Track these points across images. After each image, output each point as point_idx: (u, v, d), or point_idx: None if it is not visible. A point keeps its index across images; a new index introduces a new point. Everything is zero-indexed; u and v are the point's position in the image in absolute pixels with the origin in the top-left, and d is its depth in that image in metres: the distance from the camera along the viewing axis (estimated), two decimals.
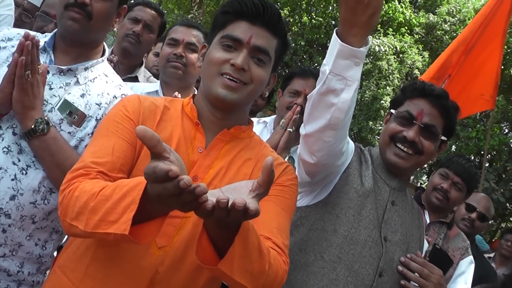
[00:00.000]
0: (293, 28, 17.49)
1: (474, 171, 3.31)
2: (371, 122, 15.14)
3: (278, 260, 1.46)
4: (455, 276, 3.03)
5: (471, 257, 3.11)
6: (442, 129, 2.11)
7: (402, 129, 2.08)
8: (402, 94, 2.21)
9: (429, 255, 2.35)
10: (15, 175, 1.84)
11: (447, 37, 16.59)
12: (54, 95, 1.93)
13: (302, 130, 1.83)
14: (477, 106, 6.30)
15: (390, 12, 16.63)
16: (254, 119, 3.31)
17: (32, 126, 1.82)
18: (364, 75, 15.74)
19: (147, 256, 1.50)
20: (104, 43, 2.16)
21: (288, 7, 17.51)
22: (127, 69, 3.31)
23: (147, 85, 3.07)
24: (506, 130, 17.43)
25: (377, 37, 15.98)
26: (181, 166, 1.16)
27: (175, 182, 1.08)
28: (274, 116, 3.35)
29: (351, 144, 2.12)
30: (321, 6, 17.42)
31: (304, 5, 17.40)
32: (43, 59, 1.97)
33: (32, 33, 1.84)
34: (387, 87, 15.17)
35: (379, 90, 15.16)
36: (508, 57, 14.55)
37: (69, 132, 1.92)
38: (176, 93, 2.55)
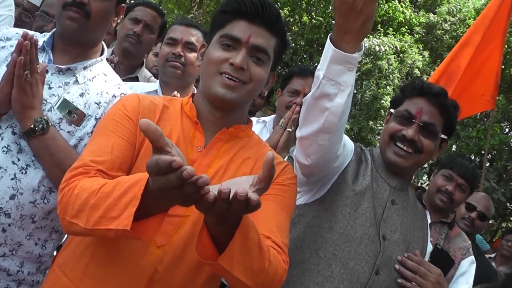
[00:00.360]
0: (293, 28, 17.50)
1: (477, 171, 3.32)
2: (371, 122, 15.13)
3: (278, 259, 1.46)
4: (457, 276, 3.03)
5: (472, 257, 3.10)
6: (442, 127, 2.12)
7: (401, 128, 2.09)
8: (401, 93, 2.22)
9: (431, 255, 2.34)
10: (14, 174, 1.84)
11: (447, 36, 16.59)
12: (53, 95, 1.93)
13: (298, 133, 1.84)
14: (478, 106, 6.32)
15: (390, 11, 16.63)
16: (254, 119, 3.32)
17: (31, 126, 1.82)
18: (364, 75, 15.75)
19: (146, 254, 1.50)
20: (103, 42, 2.15)
21: (288, 7, 17.52)
22: (127, 69, 3.31)
23: (146, 85, 3.07)
24: (507, 130, 17.42)
25: (377, 36, 15.99)
26: (182, 160, 1.16)
27: (178, 173, 1.08)
28: (273, 116, 3.35)
29: (350, 145, 2.12)
30: (321, 6, 17.44)
31: (304, 4, 17.42)
32: (42, 58, 1.97)
33: (30, 32, 1.84)
34: (387, 87, 15.17)
35: (379, 90, 15.16)
36: (508, 56, 14.55)
37: (68, 131, 1.92)
38: (175, 93, 2.55)
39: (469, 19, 16.22)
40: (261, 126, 3.26)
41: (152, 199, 1.23)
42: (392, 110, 2.19)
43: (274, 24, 1.67)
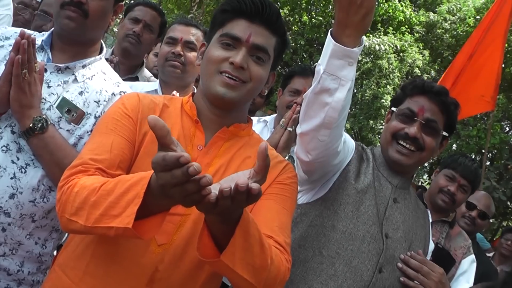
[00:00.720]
0: (293, 27, 17.51)
1: (479, 172, 3.32)
2: (371, 121, 15.15)
3: (280, 258, 1.46)
4: (457, 275, 3.03)
5: (473, 256, 3.10)
6: (443, 125, 2.13)
7: (403, 126, 2.10)
8: (402, 92, 2.23)
9: (432, 254, 2.34)
10: (14, 173, 1.84)
11: (447, 35, 16.60)
12: (52, 93, 1.93)
13: (298, 129, 1.84)
14: (478, 107, 6.33)
15: (390, 10, 16.64)
16: (254, 118, 3.31)
17: (30, 125, 1.81)
18: (365, 74, 15.75)
19: (147, 253, 1.50)
20: (102, 41, 2.15)
21: (288, 6, 17.53)
22: (127, 69, 3.30)
23: (146, 84, 3.06)
24: (507, 129, 17.42)
25: (377, 35, 16.00)
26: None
27: (184, 168, 1.08)
28: (274, 115, 3.35)
29: (351, 143, 2.12)
30: (321, 5, 17.45)
31: (304, 4, 17.42)
32: (41, 57, 1.97)
33: (28, 31, 1.83)
34: (388, 86, 15.18)
35: (380, 89, 15.17)
36: (508, 55, 14.55)
37: (67, 130, 1.92)
38: (174, 92, 2.54)
39: (469, 18, 16.23)
40: (262, 126, 3.26)
41: (154, 198, 1.24)
42: (393, 109, 2.20)
43: (274, 23, 1.67)
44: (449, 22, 16.66)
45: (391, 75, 15.39)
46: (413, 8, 17.97)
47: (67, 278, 1.53)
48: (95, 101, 1.99)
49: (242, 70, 1.61)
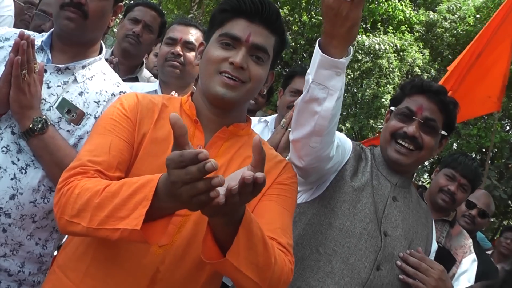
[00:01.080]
0: (293, 27, 17.50)
1: (479, 171, 3.31)
2: (371, 121, 15.15)
3: (283, 259, 1.47)
4: (458, 275, 3.03)
5: (473, 255, 3.10)
6: (441, 124, 2.14)
7: (402, 126, 2.11)
8: (401, 91, 2.24)
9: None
10: (14, 174, 1.84)
11: (447, 34, 16.61)
12: (52, 94, 1.93)
13: (291, 136, 1.85)
14: (484, 108, 6.30)
15: (390, 10, 16.64)
16: (255, 118, 3.32)
17: (30, 126, 1.81)
18: (365, 73, 15.77)
19: (148, 254, 1.50)
20: (102, 41, 2.16)
21: (288, 6, 17.51)
22: (127, 69, 3.30)
23: (146, 85, 3.07)
24: (508, 128, 17.41)
25: (377, 35, 16.00)
26: None
27: (200, 165, 1.09)
28: (275, 115, 3.35)
29: (348, 145, 2.13)
30: (321, 4, 17.41)
31: (303, 4, 17.41)
32: (41, 58, 1.97)
33: (27, 32, 1.83)
34: (388, 85, 15.19)
35: (380, 88, 15.18)
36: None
37: (68, 131, 1.92)
38: (173, 92, 2.54)
39: (469, 17, 16.23)
40: (263, 126, 3.26)
41: (160, 201, 1.24)
42: (392, 108, 2.21)
43: (274, 23, 1.67)
44: (449, 21, 16.67)
45: (391, 74, 15.39)
46: (413, 7, 17.97)
47: (67, 279, 1.53)
48: (95, 102, 1.99)
49: (242, 70, 1.60)
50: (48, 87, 1.93)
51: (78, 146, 1.91)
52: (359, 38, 15.54)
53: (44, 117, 1.84)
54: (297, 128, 1.78)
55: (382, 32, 16.40)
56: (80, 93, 1.97)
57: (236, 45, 1.62)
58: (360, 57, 15.68)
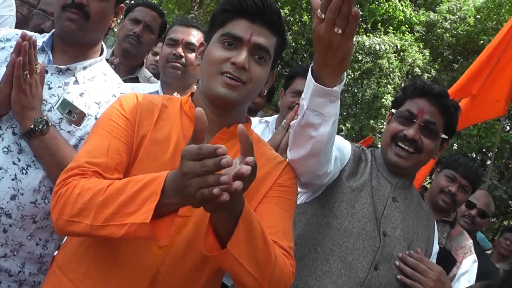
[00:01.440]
0: (294, 27, 17.51)
1: (480, 172, 3.31)
2: (372, 121, 15.16)
3: (285, 261, 1.48)
4: (459, 275, 3.03)
5: (474, 256, 3.10)
6: (442, 127, 2.15)
7: (403, 128, 2.12)
8: (402, 94, 2.25)
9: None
10: (15, 175, 1.84)
11: (447, 35, 16.62)
12: (53, 95, 1.93)
13: (288, 154, 1.84)
14: (493, 112, 6.32)
15: (391, 10, 16.66)
16: (256, 119, 3.32)
17: (32, 126, 1.81)
18: (365, 74, 15.78)
19: (148, 255, 1.50)
20: (103, 42, 2.16)
21: (288, 6, 17.53)
22: (127, 69, 3.31)
23: (147, 86, 3.06)
24: (508, 128, 17.40)
25: (377, 35, 16.01)
26: None
27: (217, 159, 1.15)
28: (276, 116, 3.35)
29: (347, 149, 2.13)
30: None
31: (304, 4, 17.40)
32: (42, 59, 1.97)
33: (29, 33, 1.84)
34: (388, 86, 15.20)
35: (380, 89, 15.19)
36: None
37: (68, 131, 1.92)
38: (175, 94, 2.54)
39: (469, 17, 16.25)
40: (264, 126, 3.26)
41: (167, 197, 1.27)
42: (393, 111, 2.22)
43: (275, 23, 1.66)
44: (449, 21, 16.69)
45: (391, 74, 15.40)
46: (413, 8, 17.98)
47: (67, 280, 1.53)
48: (95, 102, 1.99)
49: (244, 71, 1.60)
50: (49, 88, 1.93)
51: (79, 146, 1.91)
52: (360, 39, 15.56)
53: (45, 118, 1.84)
54: (293, 149, 1.77)
55: (382, 32, 16.41)
56: (81, 94, 1.98)
57: (238, 45, 1.62)
58: (360, 57, 15.70)
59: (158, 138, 1.61)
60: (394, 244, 2.06)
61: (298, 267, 1.95)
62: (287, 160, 1.84)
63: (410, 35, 16.58)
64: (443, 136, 2.15)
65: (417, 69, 15.48)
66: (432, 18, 16.98)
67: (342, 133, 15.16)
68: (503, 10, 16.07)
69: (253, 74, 1.63)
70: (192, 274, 1.54)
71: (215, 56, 1.62)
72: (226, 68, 1.60)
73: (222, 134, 1.68)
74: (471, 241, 3.19)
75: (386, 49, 15.31)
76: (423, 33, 17.20)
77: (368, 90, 15.38)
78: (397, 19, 16.95)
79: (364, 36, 15.85)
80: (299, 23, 17.69)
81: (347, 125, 15.65)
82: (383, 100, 14.80)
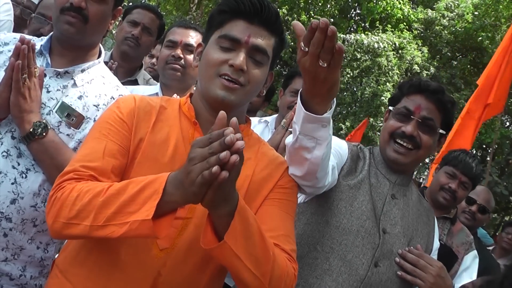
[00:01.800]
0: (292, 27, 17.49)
1: (480, 168, 3.31)
2: (372, 119, 15.16)
3: (286, 262, 1.49)
4: (460, 271, 3.03)
5: (475, 252, 3.11)
6: (439, 123, 2.15)
7: (400, 125, 2.13)
8: (399, 91, 2.25)
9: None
10: (15, 179, 1.84)
11: (446, 32, 16.63)
12: (51, 98, 1.93)
13: (289, 169, 1.84)
14: (494, 110, 6.42)
15: (389, 8, 16.67)
16: (255, 119, 3.32)
17: (31, 130, 1.81)
18: (364, 72, 15.78)
19: (149, 258, 1.50)
20: (101, 44, 2.16)
21: (286, 6, 17.51)
22: (126, 72, 3.31)
23: (147, 88, 3.07)
24: (508, 124, 17.42)
25: (376, 33, 16.01)
26: None
27: (221, 139, 1.21)
28: (275, 116, 3.35)
29: (344, 151, 2.13)
30: (319, 4, 17.44)
31: (302, 3, 17.40)
32: (40, 62, 1.97)
33: (28, 37, 1.84)
34: (387, 83, 15.20)
35: (379, 87, 15.20)
36: None
37: (67, 134, 1.92)
38: (175, 95, 2.55)
39: (467, 14, 16.26)
40: (263, 126, 3.26)
41: (168, 195, 1.29)
42: (390, 108, 2.23)
43: (273, 23, 1.65)
44: (447, 18, 16.70)
45: (390, 72, 15.41)
46: (411, 5, 17.98)
47: (70, 284, 1.53)
48: (94, 105, 1.99)
49: (242, 73, 1.59)
50: (48, 91, 1.93)
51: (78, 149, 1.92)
52: (358, 37, 15.57)
53: (44, 121, 1.84)
54: (291, 166, 1.76)
55: (380, 31, 16.41)
56: (80, 97, 1.98)
57: (236, 47, 1.60)
58: (359, 56, 15.71)
59: (157, 140, 1.60)
60: (394, 241, 2.07)
61: (298, 266, 1.97)
62: (289, 173, 1.84)
63: (408, 32, 16.59)
64: (440, 131, 2.16)
65: (416, 67, 15.49)
66: (430, 16, 16.99)
67: (341, 132, 15.17)
68: (500, 6, 16.08)
69: (251, 76, 1.62)
70: (193, 276, 1.54)
71: (213, 58, 1.61)
72: (224, 70, 1.59)
73: None
74: (471, 237, 3.19)
75: (384, 47, 15.32)
76: (421, 30, 17.21)
77: (367, 88, 15.38)
78: (395, 17, 16.97)
79: (363, 34, 15.86)
80: None
81: (347, 123, 15.65)
82: (382, 98, 14.81)
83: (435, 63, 16.41)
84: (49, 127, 1.85)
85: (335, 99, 1.60)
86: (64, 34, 1.96)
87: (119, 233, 1.32)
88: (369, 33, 16.05)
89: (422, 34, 17.13)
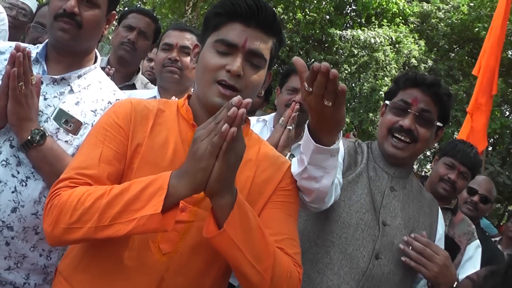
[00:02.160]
0: (288, 25, 17.49)
1: (478, 158, 3.31)
2: (371, 114, 15.16)
3: (290, 264, 1.49)
4: (464, 262, 3.02)
5: (477, 241, 3.10)
6: (436, 116, 2.16)
7: (398, 119, 2.14)
8: (395, 85, 2.26)
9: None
10: (15, 187, 1.84)
11: (442, 24, 16.61)
12: (49, 105, 1.93)
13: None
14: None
15: (384, 3, 16.64)
16: (254, 118, 3.32)
17: (29, 137, 1.81)
18: (362, 67, 15.77)
19: (152, 263, 1.49)
20: (97, 50, 2.16)
21: (282, 5, 17.49)
22: (124, 76, 3.32)
23: (145, 92, 3.07)
24: (507, 113, 17.39)
25: (372, 28, 15.99)
26: None
27: (226, 117, 1.26)
28: (273, 114, 3.35)
29: (341, 152, 2.12)
30: (315, 1, 17.43)
31: (297, 1, 17.39)
32: (36, 70, 1.98)
33: (23, 44, 1.84)
34: (385, 78, 15.18)
35: (377, 81, 15.18)
36: (505, 39, 14.52)
37: (66, 141, 1.92)
38: (174, 98, 2.55)
39: (462, 6, 16.23)
40: (262, 125, 3.26)
41: (171, 188, 1.32)
42: (387, 102, 2.23)
43: (271, 25, 1.62)
44: (443, 11, 16.68)
45: (388, 67, 15.39)
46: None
47: None
48: (91, 111, 1.99)
49: (239, 78, 1.56)
50: (45, 99, 1.93)
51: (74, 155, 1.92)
52: (355, 33, 15.56)
53: (42, 128, 1.84)
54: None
55: (377, 26, 16.38)
56: (77, 103, 1.98)
57: (233, 51, 1.57)
58: (356, 52, 15.69)
59: (155, 144, 1.59)
60: (395, 233, 2.08)
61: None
62: (287, 157, 1.84)
63: (404, 26, 16.57)
64: (438, 124, 2.17)
65: (413, 60, 15.46)
66: (426, 9, 16.96)
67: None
68: None
69: (248, 81, 1.59)
70: (197, 279, 1.54)
71: (210, 63, 1.58)
72: (221, 76, 1.56)
73: None
74: (473, 226, 3.19)
75: (381, 42, 15.30)
76: (418, 24, 17.19)
77: (365, 84, 15.37)
78: (391, 12, 16.94)
79: (359, 30, 15.84)
80: (293, 21, 17.67)
81: (346, 119, 15.61)
82: (381, 92, 14.77)
83: (433, 56, 16.39)
84: (47, 135, 1.85)
85: (341, 132, 1.63)
86: (59, 40, 1.97)
87: (126, 230, 1.32)
88: (365, 28, 16.04)
89: (418, 28, 17.11)
